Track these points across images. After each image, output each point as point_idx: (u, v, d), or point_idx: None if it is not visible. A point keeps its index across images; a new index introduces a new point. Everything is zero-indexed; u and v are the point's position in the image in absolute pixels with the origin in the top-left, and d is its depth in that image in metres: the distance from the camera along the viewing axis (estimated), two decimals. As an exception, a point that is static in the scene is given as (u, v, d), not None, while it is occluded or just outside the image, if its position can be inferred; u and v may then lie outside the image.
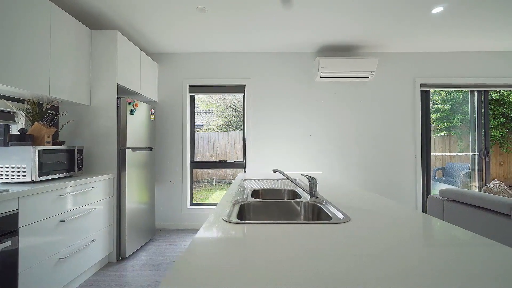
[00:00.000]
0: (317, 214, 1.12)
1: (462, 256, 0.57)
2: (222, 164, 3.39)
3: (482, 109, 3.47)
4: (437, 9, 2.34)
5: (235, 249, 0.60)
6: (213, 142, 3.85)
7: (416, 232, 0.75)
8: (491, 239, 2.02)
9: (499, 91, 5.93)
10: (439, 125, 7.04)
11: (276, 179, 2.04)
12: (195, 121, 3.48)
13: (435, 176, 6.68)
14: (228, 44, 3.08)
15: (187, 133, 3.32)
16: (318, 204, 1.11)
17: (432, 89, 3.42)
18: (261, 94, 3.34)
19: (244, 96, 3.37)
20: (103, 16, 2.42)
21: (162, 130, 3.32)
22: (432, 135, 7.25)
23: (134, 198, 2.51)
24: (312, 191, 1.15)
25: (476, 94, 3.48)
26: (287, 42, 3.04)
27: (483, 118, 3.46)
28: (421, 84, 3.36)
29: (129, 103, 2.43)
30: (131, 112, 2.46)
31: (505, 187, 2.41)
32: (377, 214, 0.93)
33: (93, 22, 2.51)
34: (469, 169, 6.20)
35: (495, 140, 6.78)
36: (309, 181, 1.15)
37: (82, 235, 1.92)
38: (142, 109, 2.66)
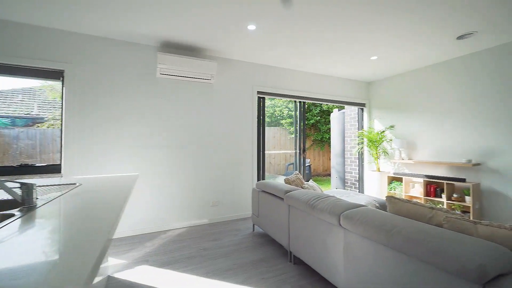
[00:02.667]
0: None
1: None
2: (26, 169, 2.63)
3: (301, 116, 4.40)
4: (251, 27, 2.72)
5: None
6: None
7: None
8: (274, 214, 2.52)
9: (327, 104, 7.71)
10: (291, 128, 8.62)
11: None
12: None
13: (287, 170, 8.13)
14: (40, 15, 2.41)
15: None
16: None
17: (266, 97, 4.03)
18: (91, 84, 2.84)
19: (63, 84, 2.75)
20: None
21: None
22: (288, 136, 8.81)
23: None
24: (24, 199, 0.96)
25: (298, 103, 4.39)
26: (126, 30, 2.72)
27: (302, 123, 4.41)
28: (257, 91, 3.89)
29: None
30: None
31: (300, 177, 3.12)
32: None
33: None
34: (308, 163, 7.91)
35: (324, 141, 8.92)
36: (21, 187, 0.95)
37: None
38: None
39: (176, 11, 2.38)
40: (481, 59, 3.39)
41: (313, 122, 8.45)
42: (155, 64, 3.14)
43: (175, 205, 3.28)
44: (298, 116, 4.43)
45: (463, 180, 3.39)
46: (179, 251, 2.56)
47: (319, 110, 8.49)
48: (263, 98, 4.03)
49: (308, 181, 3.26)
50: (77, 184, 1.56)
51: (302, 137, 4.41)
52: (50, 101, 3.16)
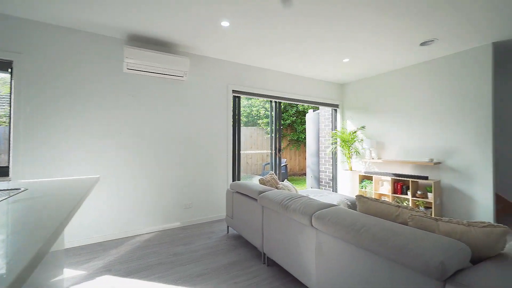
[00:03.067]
0: None
1: None
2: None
3: (277, 116, 4.41)
4: (225, 23, 2.64)
5: None
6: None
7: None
8: (248, 215, 2.48)
9: (302, 105, 7.83)
10: (268, 128, 8.65)
11: None
12: None
13: (264, 170, 8.15)
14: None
15: None
16: None
17: (242, 96, 3.97)
18: (46, 77, 2.56)
19: (11, 76, 2.45)
20: None
21: None
22: (265, 136, 8.84)
23: None
24: None
25: (274, 103, 4.39)
26: (89, 19, 2.48)
27: (278, 123, 4.42)
28: (233, 90, 3.81)
29: None
30: None
31: (275, 177, 3.10)
32: None
33: None
34: (284, 163, 8.00)
35: (300, 141, 9.06)
36: None
37: None
38: None
39: (144, 1, 2.23)
40: (441, 65, 3.64)
41: (289, 123, 8.56)
42: (122, 58, 2.93)
43: (144, 209, 3.09)
44: (274, 116, 4.43)
45: (426, 178, 3.62)
46: (147, 258, 2.41)
47: (295, 111, 8.63)
48: (239, 97, 3.96)
49: (283, 181, 3.26)
50: (22, 189, 1.37)
51: (278, 137, 4.42)
52: (3, 96, 2.81)
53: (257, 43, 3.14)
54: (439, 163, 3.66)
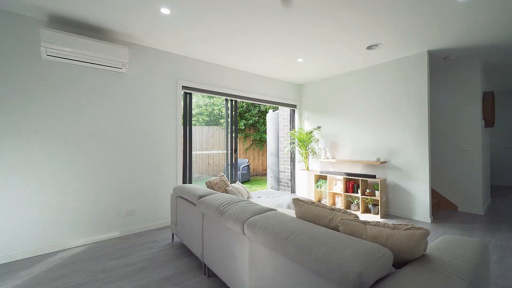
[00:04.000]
0: None
1: None
2: None
3: (233, 115, 4.24)
4: (165, 10, 2.39)
5: None
6: None
7: None
8: (189, 222, 2.28)
9: (264, 105, 7.75)
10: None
11: None
12: None
13: (226, 170, 7.94)
14: None
15: None
16: None
17: (194, 93, 3.72)
18: None
19: None
20: None
21: None
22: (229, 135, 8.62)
23: None
24: None
25: (230, 102, 4.22)
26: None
27: (234, 122, 4.25)
28: (183, 86, 3.55)
29: None
30: None
31: (224, 179, 2.93)
32: None
33: None
34: (247, 163, 7.89)
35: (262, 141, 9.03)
36: None
37: None
38: None
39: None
40: (385, 70, 3.84)
41: (252, 122, 8.47)
42: (40, 42, 2.48)
43: (75, 218, 2.67)
44: (230, 115, 4.25)
45: (374, 177, 3.78)
46: (67, 278, 2.05)
47: (258, 111, 8.58)
48: (190, 94, 3.70)
49: (234, 182, 3.10)
50: None
51: (234, 137, 4.26)
52: None
53: (203, 36, 2.94)
54: (385, 162, 3.85)
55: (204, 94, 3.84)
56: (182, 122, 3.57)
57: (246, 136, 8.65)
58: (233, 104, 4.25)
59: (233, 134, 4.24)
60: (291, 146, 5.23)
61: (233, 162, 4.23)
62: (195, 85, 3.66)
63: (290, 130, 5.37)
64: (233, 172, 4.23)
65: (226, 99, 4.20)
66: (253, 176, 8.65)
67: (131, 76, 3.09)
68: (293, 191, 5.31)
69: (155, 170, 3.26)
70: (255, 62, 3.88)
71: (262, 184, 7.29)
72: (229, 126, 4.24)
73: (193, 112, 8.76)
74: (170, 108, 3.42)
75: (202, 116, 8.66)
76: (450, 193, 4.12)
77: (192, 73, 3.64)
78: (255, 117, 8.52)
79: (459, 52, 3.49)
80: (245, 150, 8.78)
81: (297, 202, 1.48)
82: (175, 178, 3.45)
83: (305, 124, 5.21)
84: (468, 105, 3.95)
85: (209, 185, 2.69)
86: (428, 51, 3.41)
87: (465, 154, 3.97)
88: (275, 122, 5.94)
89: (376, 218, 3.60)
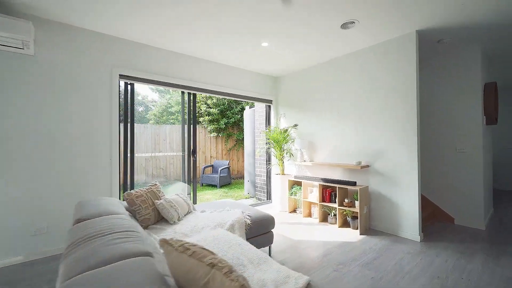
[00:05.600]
0: None
1: None
2: None
3: (190, 111, 3.63)
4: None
5: None
6: None
7: None
8: None
9: (246, 101, 7.14)
10: (211, 126, 7.86)
11: None
12: None
13: (203, 173, 7.33)
14: None
15: None
16: None
17: (136, 83, 3.10)
18: None
19: None
20: None
21: None
22: (208, 135, 8.01)
23: None
24: None
25: (187, 95, 3.61)
26: None
27: (192, 118, 3.63)
28: (120, 75, 2.93)
29: None
30: None
31: (154, 190, 2.31)
32: None
33: None
34: (227, 165, 7.26)
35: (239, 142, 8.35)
36: None
37: None
38: None
39: None
40: (366, 57, 3.22)
41: (234, 121, 7.86)
42: None
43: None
44: (187, 111, 3.64)
45: (354, 184, 3.16)
46: None
47: (241, 108, 7.96)
48: (132, 84, 3.09)
49: (191, 191, 2.49)
50: None
51: (191, 135, 3.63)
52: None
53: (144, 14, 2.32)
54: (367, 166, 3.23)
55: (151, 85, 3.22)
56: (118, 118, 2.95)
57: (228, 136, 8.04)
58: (191, 98, 3.63)
59: (191, 132, 3.61)
60: (267, 147, 4.62)
61: (192, 166, 3.60)
62: (139, 74, 3.05)
63: (266, 128, 4.75)
64: (192, 179, 3.59)
65: (183, 92, 3.59)
66: (237, 179, 8.03)
67: (48, 61, 2.48)
68: (269, 197, 4.69)
69: (80, 178, 2.65)
70: (217, 49, 3.27)
71: (242, 189, 6.67)
72: (186, 124, 3.62)
73: (172, 110, 8.16)
74: (103, 102, 2.81)
75: (181, 115, 8.05)
76: (445, 203, 3.50)
77: (135, 60, 3.03)
78: (237, 115, 7.91)
79: (455, 33, 2.87)
80: (228, 151, 8.17)
81: (164, 245, 0.87)
82: (109, 186, 2.83)
83: (281, 122, 4.59)
84: (467, 98, 3.32)
85: (128, 198, 2.07)
86: (417, 31, 2.79)
87: (463, 156, 3.34)
88: (252, 120, 5.32)
89: (355, 234, 2.98)
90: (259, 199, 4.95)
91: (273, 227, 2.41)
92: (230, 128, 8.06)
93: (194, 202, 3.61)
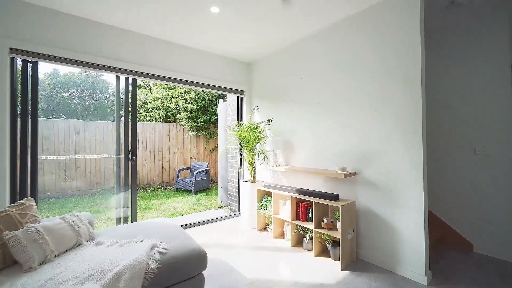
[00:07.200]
0: None
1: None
2: None
3: (128, 101, 2.83)
4: None
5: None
6: None
7: None
8: None
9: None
10: (190, 123, 7.05)
11: None
12: None
13: (178, 177, 6.53)
14: None
15: None
16: None
17: (40, 61, 2.31)
18: None
19: None
20: None
21: None
22: (187, 134, 7.20)
23: None
24: None
25: (124, 81, 2.81)
26: None
27: (131, 111, 2.84)
28: (12, 48, 2.15)
29: None
30: None
31: (25, 208, 1.51)
32: None
33: None
34: (206, 167, 6.46)
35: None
36: None
37: None
38: None
39: None
40: (354, 28, 2.39)
41: (216, 118, 7.06)
42: None
43: None
44: (125, 101, 2.84)
45: (336, 198, 2.33)
46: None
47: (224, 104, 7.15)
48: (35, 63, 2.30)
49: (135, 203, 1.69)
50: None
51: (132, 132, 2.83)
52: None
53: None
54: (354, 174, 2.40)
55: (64, 64, 2.42)
56: (11, 110, 2.16)
57: (210, 135, 7.24)
58: (130, 84, 2.83)
59: (128, 129, 2.81)
60: (239, 147, 3.81)
61: (130, 171, 2.79)
62: (45, 50, 2.26)
63: (237, 125, 3.93)
64: (131, 187, 2.78)
65: (117, 76, 2.78)
66: (215, 183, 7.21)
67: None
68: (238, 210, 3.88)
69: None
70: (157, 19, 2.47)
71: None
72: (122, 118, 2.82)
73: (149, 106, 7.39)
74: (-16, 85, 2.03)
75: (159, 111, 7.28)
76: (460, 223, 2.64)
77: (40, 29, 2.25)
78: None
79: (478, -13, 2.03)
80: (210, 151, 7.37)
81: None
82: (4, 188, 2.05)
83: (254, 116, 3.77)
84: (489, 84, 2.47)
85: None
86: (422, -17, 1.96)
87: (484, 161, 2.49)
88: (225, 115, 4.52)
89: (336, 268, 2.15)
90: (231, 209, 4.14)
91: (203, 268, 1.61)
92: (212, 127, 7.26)
93: (134, 219, 2.80)
